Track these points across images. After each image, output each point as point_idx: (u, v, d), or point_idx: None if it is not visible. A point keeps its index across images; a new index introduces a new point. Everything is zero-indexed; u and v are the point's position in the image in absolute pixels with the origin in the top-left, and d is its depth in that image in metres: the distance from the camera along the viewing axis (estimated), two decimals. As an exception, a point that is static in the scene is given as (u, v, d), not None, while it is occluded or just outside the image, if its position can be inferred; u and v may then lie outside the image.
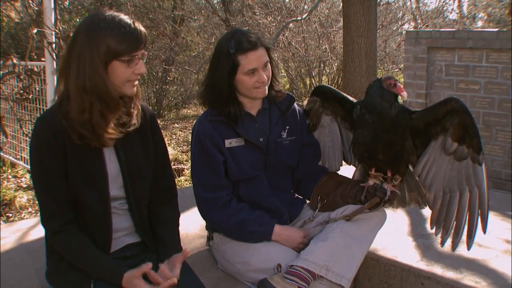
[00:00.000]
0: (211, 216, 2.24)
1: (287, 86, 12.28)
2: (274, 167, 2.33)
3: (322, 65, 11.49)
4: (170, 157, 7.50)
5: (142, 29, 1.80)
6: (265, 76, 2.17)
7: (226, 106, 2.20)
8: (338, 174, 2.50)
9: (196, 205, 2.28)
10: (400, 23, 13.03)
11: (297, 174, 2.45)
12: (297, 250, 2.23)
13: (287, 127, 2.36)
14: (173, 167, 7.03)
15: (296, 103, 2.44)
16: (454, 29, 5.80)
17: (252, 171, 2.25)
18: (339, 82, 10.62)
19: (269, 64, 2.22)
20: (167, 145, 8.31)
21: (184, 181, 6.34)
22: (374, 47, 6.58)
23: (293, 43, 11.10)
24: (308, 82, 11.82)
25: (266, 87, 2.22)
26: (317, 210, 2.34)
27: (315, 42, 11.09)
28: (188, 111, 12.81)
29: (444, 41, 4.79)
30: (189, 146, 2.97)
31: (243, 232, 2.20)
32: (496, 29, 4.57)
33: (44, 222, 1.84)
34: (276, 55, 10.84)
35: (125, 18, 1.78)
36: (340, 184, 2.37)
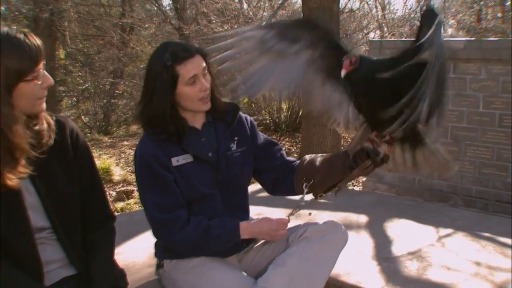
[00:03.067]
0: (171, 237, 2.21)
1: (246, 99, 12.32)
2: (228, 184, 2.32)
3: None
4: (119, 177, 7.56)
5: (38, 40, 1.79)
6: (206, 83, 2.20)
7: (169, 124, 2.20)
8: (318, 154, 2.47)
9: (152, 229, 2.25)
10: (365, 31, 13.29)
11: (270, 176, 2.44)
12: (278, 239, 2.25)
13: (236, 138, 2.37)
14: (121, 188, 6.99)
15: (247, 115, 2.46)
16: (419, 39, 5.92)
17: (205, 190, 2.25)
18: (300, 95, 10.67)
19: (208, 72, 2.25)
20: (115, 164, 8.24)
21: (133, 204, 6.27)
22: (337, 58, 6.65)
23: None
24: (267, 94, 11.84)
25: (209, 98, 2.25)
26: (305, 191, 2.33)
27: (275, 52, 11.17)
28: (139, 127, 12.70)
29: (409, 52, 4.91)
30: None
31: (210, 241, 2.18)
32: (464, 39, 4.71)
33: None
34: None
35: (15, 33, 1.75)
36: (325, 159, 2.35)
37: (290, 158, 2.50)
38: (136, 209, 5.91)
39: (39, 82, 1.78)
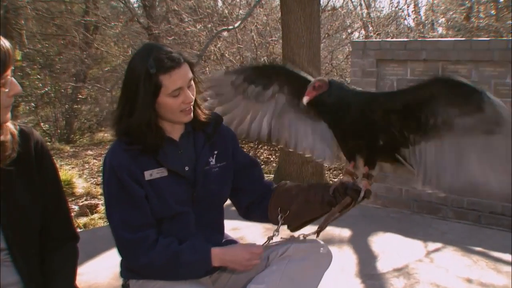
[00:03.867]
0: (137, 260, 2.19)
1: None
2: (204, 201, 2.31)
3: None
4: (82, 190, 7.51)
5: (7, 43, 1.76)
6: (191, 96, 2.19)
7: (148, 136, 2.19)
8: (297, 183, 2.50)
9: (117, 249, 2.24)
10: (349, 31, 13.38)
11: (246, 198, 2.44)
12: (250, 269, 2.23)
13: (215, 152, 2.36)
14: (85, 202, 6.94)
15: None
16: (405, 39, 6.00)
17: (178, 207, 2.23)
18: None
19: (193, 81, 2.24)
20: (78, 175, 8.18)
21: (98, 219, 6.23)
22: (317, 60, 6.73)
23: (226, 54, 11.18)
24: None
25: (192, 109, 2.23)
26: (280, 223, 2.34)
27: (252, 54, 11.22)
28: (105, 135, 12.63)
29: (394, 53, 4.97)
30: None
31: (178, 267, 2.17)
32: (453, 39, 4.77)
33: None
34: (207, 68, 10.89)
35: None
36: (302, 190, 2.36)
37: (268, 182, 2.51)
38: (101, 224, 5.88)
39: (6, 90, 1.75)
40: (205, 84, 2.64)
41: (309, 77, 2.45)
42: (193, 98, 2.20)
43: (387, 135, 2.25)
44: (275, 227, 2.31)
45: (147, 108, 2.12)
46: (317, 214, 2.30)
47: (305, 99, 2.20)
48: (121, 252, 2.23)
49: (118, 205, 2.18)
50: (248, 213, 2.47)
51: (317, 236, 2.26)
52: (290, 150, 2.67)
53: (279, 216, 2.32)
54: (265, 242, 2.33)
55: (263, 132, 2.68)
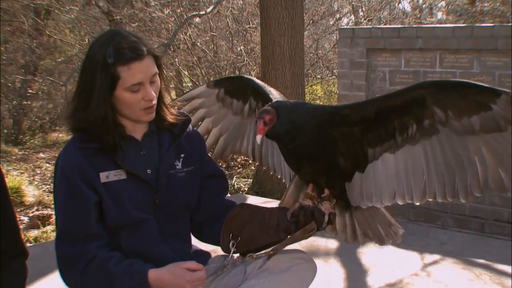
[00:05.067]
0: (70, 279, 2.19)
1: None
2: (167, 208, 2.31)
3: (237, 73, 11.60)
4: (33, 199, 7.45)
5: None
6: (153, 93, 2.18)
7: (106, 133, 2.18)
8: (251, 204, 2.53)
9: (57, 266, 2.23)
10: (337, 16, 13.44)
11: (200, 215, 2.45)
12: None
13: (182, 155, 2.37)
14: (36, 213, 6.89)
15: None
16: (399, 26, 6.05)
17: (137, 214, 2.23)
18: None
19: (157, 77, 2.23)
20: (28, 182, 8.11)
21: (51, 232, 6.20)
22: (301, 49, 6.75)
23: (198, 43, 11.17)
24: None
25: (154, 108, 2.23)
26: (232, 251, 2.35)
27: (227, 43, 11.21)
28: (59, 135, 12.56)
29: (387, 41, 4.99)
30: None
31: None
32: (452, 25, 4.80)
33: None
34: (176, 59, 10.87)
35: None
36: (259, 213, 2.38)
37: (228, 201, 2.51)
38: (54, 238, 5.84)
39: None
40: (185, 100, 2.94)
41: (271, 93, 2.62)
42: (155, 95, 2.19)
43: (347, 152, 2.32)
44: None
45: (103, 101, 2.12)
46: (270, 240, 2.31)
47: (258, 138, 2.23)
48: (58, 268, 2.21)
49: (62, 213, 2.18)
50: (200, 232, 2.48)
51: (269, 258, 2.27)
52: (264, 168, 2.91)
53: (231, 243, 2.32)
54: (217, 274, 2.32)
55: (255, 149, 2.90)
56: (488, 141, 2.08)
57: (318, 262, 2.44)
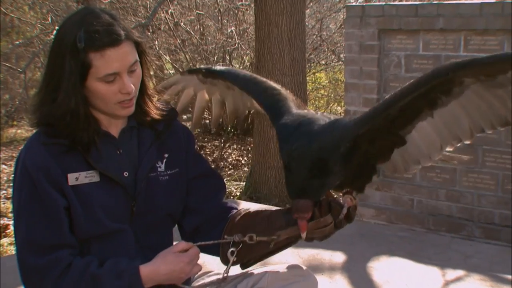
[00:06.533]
0: None
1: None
2: (146, 217, 2.30)
3: (228, 58, 11.59)
4: (-15, 206, 7.42)
5: None
6: (131, 85, 2.15)
7: (79, 129, 2.16)
8: (257, 209, 2.49)
9: (21, 278, 2.21)
10: (344, -9, 13.45)
11: (192, 220, 2.44)
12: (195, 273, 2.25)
13: (166, 155, 2.35)
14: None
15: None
16: (417, 2, 6.03)
17: (111, 223, 2.22)
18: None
19: (138, 65, 2.20)
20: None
21: (7, 246, 6.19)
22: (302, 30, 6.73)
23: (182, 23, 11.16)
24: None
25: (134, 101, 2.21)
26: (232, 260, 2.32)
27: (215, 23, 11.21)
28: (18, 131, 12.55)
29: (402, 21, 4.97)
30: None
31: None
32: (480, 0, 4.78)
33: None
34: (156, 42, 10.85)
35: None
36: (261, 218, 2.36)
37: (229, 203, 2.51)
38: (11, 252, 5.84)
39: None
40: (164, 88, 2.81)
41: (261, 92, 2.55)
42: (134, 88, 2.16)
43: (379, 151, 2.29)
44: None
45: (72, 92, 2.10)
46: (278, 245, 2.28)
47: (304, 236, 2.16)
48: (24, 281, 2.20)
49: (26, 218, 2.15)
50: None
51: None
52: None
53: (230, 251, 2.29)
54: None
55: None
56: None
57: (322, 278, 2.43)
